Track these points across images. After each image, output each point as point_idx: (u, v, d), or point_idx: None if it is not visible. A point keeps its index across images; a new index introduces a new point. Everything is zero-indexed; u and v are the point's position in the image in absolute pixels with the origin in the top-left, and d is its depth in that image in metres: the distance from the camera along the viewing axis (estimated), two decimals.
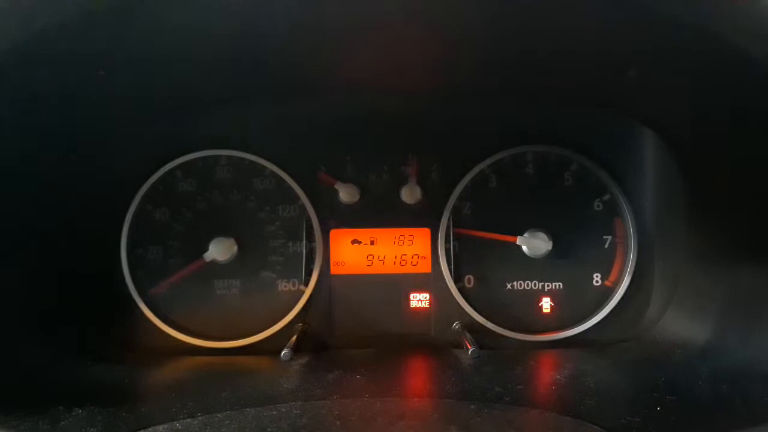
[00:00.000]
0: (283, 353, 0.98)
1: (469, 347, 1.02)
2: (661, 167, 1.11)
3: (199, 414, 0.69)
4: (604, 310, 1.14)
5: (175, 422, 0.58)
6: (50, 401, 0.78)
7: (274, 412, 0.57)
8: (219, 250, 1.13)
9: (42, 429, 0.70)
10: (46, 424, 0.72)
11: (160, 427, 0.57)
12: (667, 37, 0.71)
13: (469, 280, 1.17)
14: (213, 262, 1.13)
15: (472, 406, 0.58)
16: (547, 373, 1.00)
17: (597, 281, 1.16)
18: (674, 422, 0.71)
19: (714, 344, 0.94)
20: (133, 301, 1.13)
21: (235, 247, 1.14)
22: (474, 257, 1.17)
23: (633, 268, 1.14)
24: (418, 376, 1.00)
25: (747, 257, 0.93)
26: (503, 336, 1.14)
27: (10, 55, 0.66)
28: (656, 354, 1.02)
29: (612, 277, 1.16)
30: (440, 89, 1.10)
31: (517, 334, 1.14)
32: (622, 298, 1.14)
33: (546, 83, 1.03)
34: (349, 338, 1.15)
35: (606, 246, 1.16)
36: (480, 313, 1.14)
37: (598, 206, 1.16)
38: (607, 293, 1.15)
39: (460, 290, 1.15)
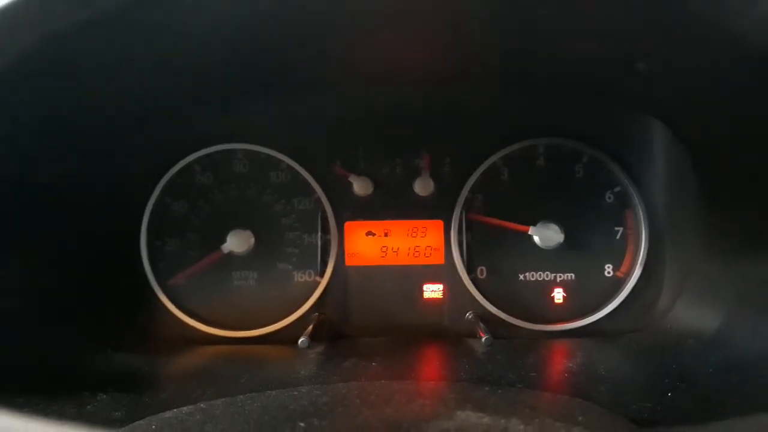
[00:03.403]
0: (300, 340, 1.00)
1: (483, 336, 1.03)
2: (672, 159, 1.12)
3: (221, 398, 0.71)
4: (616, 300, 1.16)
5: (199, 404, 0.61)
6: (75, 387, 0.80)
7: (295, 393, 0.59)
8: (236, 242, 1.15)
9: (68, 413, 0.72)
10: (72, 408, 0.74)
11: (185, 409, 0.60)
12: (680, 33, 0.72)
13: (482, 271, 1.18)
14: (230, 254, 1.15)
15: (486, 388, 0.60)
16: (560, 362, 1.01)
17: (608, 272, 1.17)
18: (685, 408, 0.73)
19: (724, 334, 0.95)
20: (153, 292, 1.16)
21: (252, 239, 1.16)
22: (486, 248, 1.18)
23: (644, 259, 1.15)
24: (432, 363, 1.02)
25: (758, 249, 0.94)
26: (516, 326, 1.16)
27: (37, 56, 0.69)
28: (667, 343, 1.03)
29: (623, 267, 1.17)
30: (453, 83, 1.12)
31: (529, 324, 1.16)
32: (634, 289, 1.16)
33: (558, 77, 1.05)
34: (364, 328, 1.17)
35: (617, 237, 1.17)
36: (493, 303, 1.16)
37: (609, 198, 1.17)
38: (618, 284, 1.17)
39: (473, 281, 1.17)
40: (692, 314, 1.06)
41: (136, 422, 0.59)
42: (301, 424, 0.47)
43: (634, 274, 1.16)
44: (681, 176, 1.10)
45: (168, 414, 0.60)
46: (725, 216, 1.01)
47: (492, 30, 0.85)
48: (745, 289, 0.95)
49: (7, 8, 0.64)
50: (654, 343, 1.06)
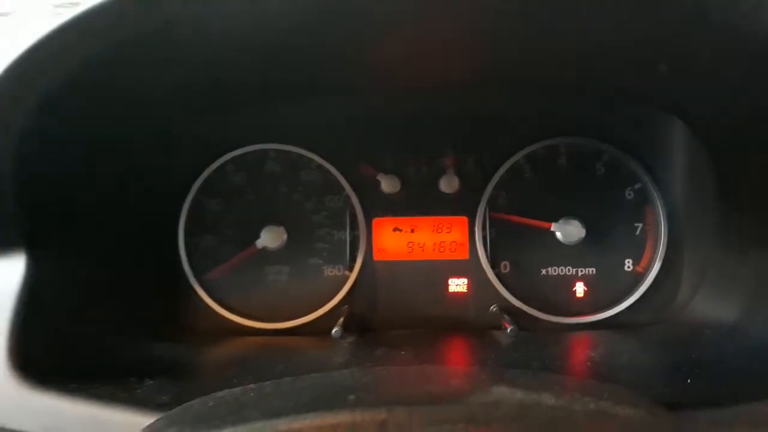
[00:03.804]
0: (334, 330, 1.05)
1: (508, 327, 1.08)
2: (691, 157, 1.15)
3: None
4: (636, 294, 1.19)
5: (249, 385, 0.65)
6: (123, 374, 0.84)
7: (338, 374, 0.63)
8: (270, 238, 1.20)
9: (120, 397, 0.77)
10: (123, 392, 0.78)
11: (236, 389, 0.64)
12: (699, 37, 0.76)
13: (505, 266, 1.22)
14: (264, 249, 1.21)
15: (516, 371, 0.64)
16: (582, 352, 1.05)
17: (629, 267, 1.21)
18: (704, 392, 0.76)
19: (742, 324, 0.99)
20: (191, 286, 1.21)
21: (285, 235, 1.22)
22: (510, 244, 1.22)
23: (663, 254, 1.19)
24: (459, 352, 1.07)
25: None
26: (539, 318, 1.20)
27: (85, 64, 0.75)
28: (686, 335, 1.07)
29: (643, 262, 1.20)
30: (477, 86, 1.16)
31: (552, 316, 1.20)
32: (653, 283, 1.19)
33: (579, 79, 1.09)
34: (392, 320, 1.21)
35: (637, 233, 1.21)
36: (516, 297, 1.20)
37: (629, 195, 1.21)
38: (638, 278, 1.20)
39: (497, 275, 1.21)
40: (710, 306, 1.09)
41: (192, 401, 0.63)
42: (351, 397, 0.51)
43: (654, 268, 1.19)
44: (700, 174, 1.13)
45: (221, 393, 0.64)
46: (742, 213, 1.04)
47: (516, 33, 0.89)
48: (761, 282, 0.99)
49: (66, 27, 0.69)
50: (673, 334, 1.09)
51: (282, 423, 0.49)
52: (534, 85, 1.17)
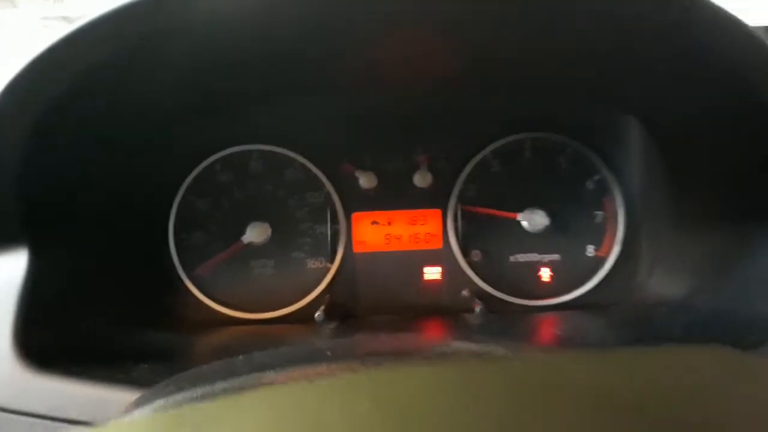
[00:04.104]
0: (317, 314, 1.13)
1: (477, 306, 1.16)
2: (645, 150, 1.24)
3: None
4: (597, 277, 1.28)
5: (253, 354, 0.71)
6: (120, 359, 0.91)
7: (317, 341, 0.71)
8: (255, 234, 1.28)
9: (117, 378, 0.83)
10: (120, 374, 0.84)
11: (230, 359, 0.70)
12: (650, 44, 0.86)
13: (476, 255, 1.31)
14: (250, 245, 1.28)
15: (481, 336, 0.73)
16: (548, 329, 1.14)
17: (590, 252, 1.30)
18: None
19: (690, 300, 1.08)
20: (181, 280, 1.28)
21: (270, 231, 1.29)
22: (480, 234, 1.31)
23: (622, 239, 1.28)
24: (432, 331, 1.15)
25: (716, 227, 1.07)
26: (507, 302, 1.28)
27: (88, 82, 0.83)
28: (643, 312, 1.16)
29: (604, 248, 1.29)
30: (448, 86, 1.25)
31: (520, 299, 1.28)
32: (613, 266, 1.28)
33: (541, 79, 1.18)
34: (372, 307, 1.29)
35: (598, 220, 1.30)
36: (486, 282, 1.29)
37: (590, 185, 1.30)
38: (599, 262, 1.29)
39: (468, 263, 1.30)
40: (664, 285, 1.18)
41: (188, 371, 0.70)
42: (328, 353, 0.59)
43: (614, 253, 1.28)
44: (653, 165, 1.23)
45: (215, 362, 0.71)
46: (690, 199, 1.14)
47: (486, 42, 0.97)
48: (705, 260, 1.08)
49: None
50: (632, 312, 1.18)
51: (266, 376, 0.56)
52: (501, 85, 1.25)
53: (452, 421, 0.35)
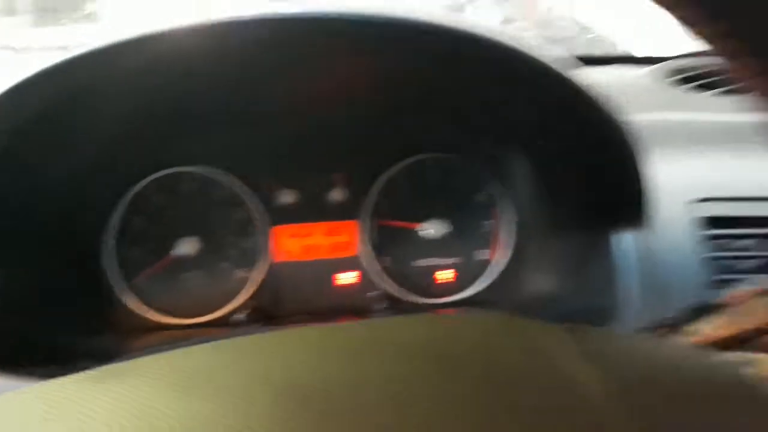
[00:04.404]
0: (234, 316, 1.29)
1: (382, 305, 1.35)
2: (525, 167, 1.45)
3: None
4: (489, 278, 1.49)
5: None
6: (64, 361, 1.01)
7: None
8: (185, 247, 1.41)
9: (57, 373, 0.97)
10: (63, 372, 0.98)
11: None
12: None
13: (387, 261, 1.49)
14: (181, 257, 1.42)
15: None
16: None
17: (483, 256, 1.50)
18: None
19: (557, 294, 1.29)
20: (119, 291, 1.41)
21: (199, 244, 1.43)
22: (390, 242, 1.49)
23: (509, 245, 1.49)
24: None
25: (576, 234, 1.29)
26: (413, 302, 1.47)
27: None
28: (521, 308, 1.37)
29: (494, 252, 1.50)
30: (357, 113, 1.42)
31: (423, 298, 1.47)
32: (503, 269, 1.49)
33: (426, 107, 1.37)
34: (293, 311, 1.45)
35: (488, 229, 1.50)
36: (396, 285, 1.47)
37: (482, 198, 1.50)
38: (491, 265, 1.50)
39: (380, 268, 1.47)
40: (540, 284, 1.39)
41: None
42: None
43: (502, 256, 1.49)
44: (533, 180, 1.43)
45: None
46: (559, 210, 1.35)
47: (361, 73, 1.17)
48: (568, 261, 1.30)
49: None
50: (513, 308, 1.39)
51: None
52: (405, 115, 1.44)
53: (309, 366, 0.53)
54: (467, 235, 1.50)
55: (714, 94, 1.57)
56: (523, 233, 1.48)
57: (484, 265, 1.50)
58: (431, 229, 1.47)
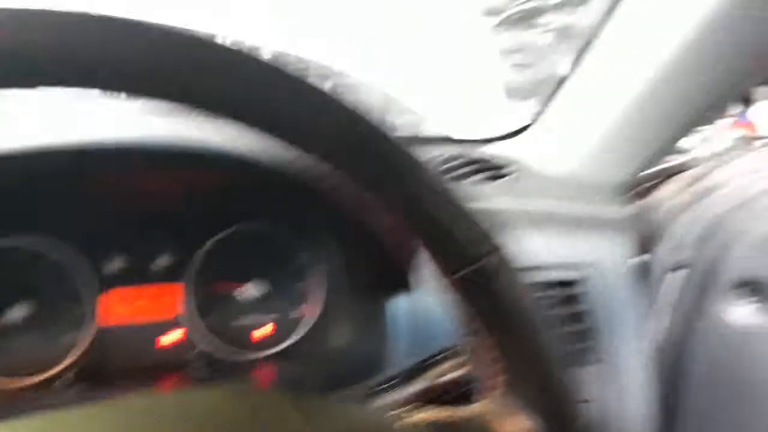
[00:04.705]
0: (58, 381, 1.39)
1: (204, 360, 1.52)
2: (329, 238, 1.68)
3: None
4: (300, 332, 1.68)
5: None
6: None
7: None
8: (14, 314, 1.49)
9: None
10: None
11: None
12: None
13: (210, 320, 1.64)
14: (9, 325, 1.49)
15: None
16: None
17: (298, 314, 1.70)
18: None
19: (351, 348, 1.53)
20: None
21: (28, 310, 1.50)
22: (214, 302, 1.63)
23: (321, 303, 1.70)
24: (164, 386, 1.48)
25: (369, 294, 1.54)
26: (233, 359, 1.62)
27: None
28: (326, 358, 1.59)
29: (308, 309, 1.71)
30: (173, 200, 1.60)
31: (244, 353, 1.64)
32: (311, 325, 1.68)
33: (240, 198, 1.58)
34: (118, 372, 1.56)
35: (302, 290, 1.71)
36: (219, 342, 1.62)
37: (296, 263, 1.70)
38: (306, 321, 1.69)
39: (205, 327, 1.62)
40: (341, 338, 1.62)
41: None
42: None
43: (311, 314, 1.69)
44: (335, 248, 1.67)
45: None
46: (358, 274, 1.60)
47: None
48: (362, 317, 1.54)
49: None
50: (320, 359, 1.60)
51: None
52: (214, 195, 1.62)
53: None
54: (284, 295, 1.69)
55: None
56: (331, 294, 1.70)
57: (298, 321, 1.70)
58: (252, 290, 1.66)
